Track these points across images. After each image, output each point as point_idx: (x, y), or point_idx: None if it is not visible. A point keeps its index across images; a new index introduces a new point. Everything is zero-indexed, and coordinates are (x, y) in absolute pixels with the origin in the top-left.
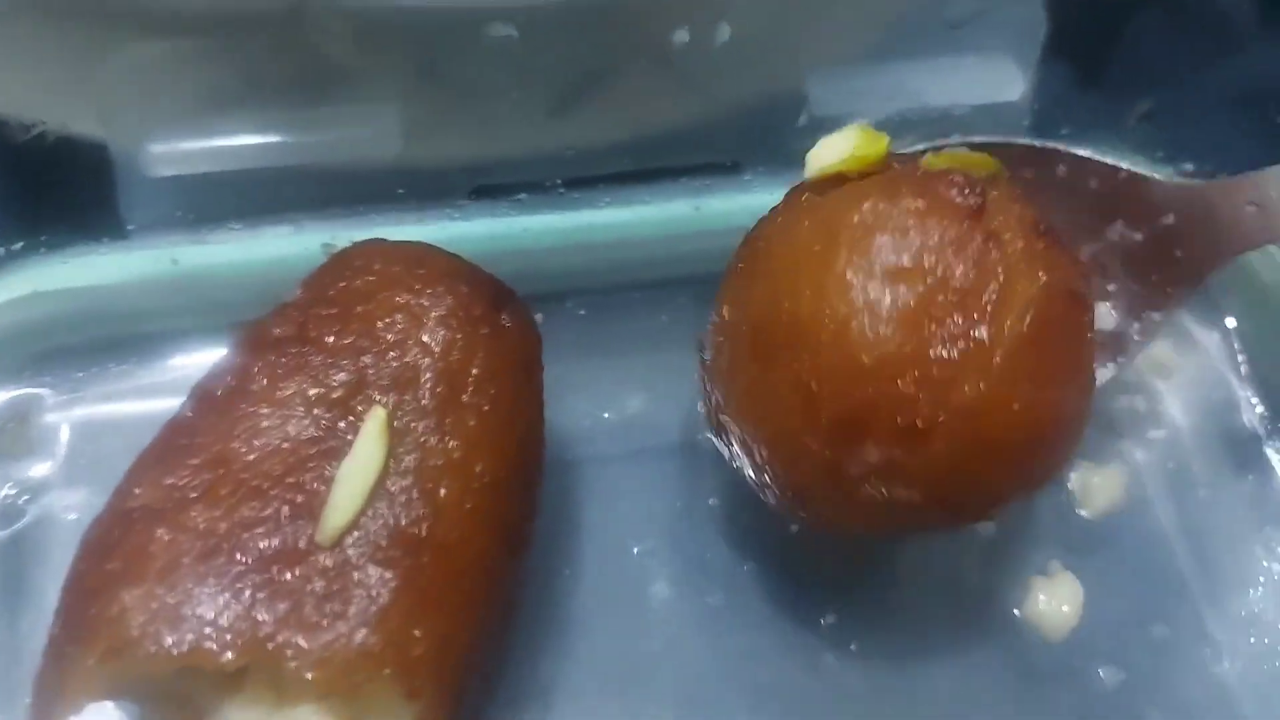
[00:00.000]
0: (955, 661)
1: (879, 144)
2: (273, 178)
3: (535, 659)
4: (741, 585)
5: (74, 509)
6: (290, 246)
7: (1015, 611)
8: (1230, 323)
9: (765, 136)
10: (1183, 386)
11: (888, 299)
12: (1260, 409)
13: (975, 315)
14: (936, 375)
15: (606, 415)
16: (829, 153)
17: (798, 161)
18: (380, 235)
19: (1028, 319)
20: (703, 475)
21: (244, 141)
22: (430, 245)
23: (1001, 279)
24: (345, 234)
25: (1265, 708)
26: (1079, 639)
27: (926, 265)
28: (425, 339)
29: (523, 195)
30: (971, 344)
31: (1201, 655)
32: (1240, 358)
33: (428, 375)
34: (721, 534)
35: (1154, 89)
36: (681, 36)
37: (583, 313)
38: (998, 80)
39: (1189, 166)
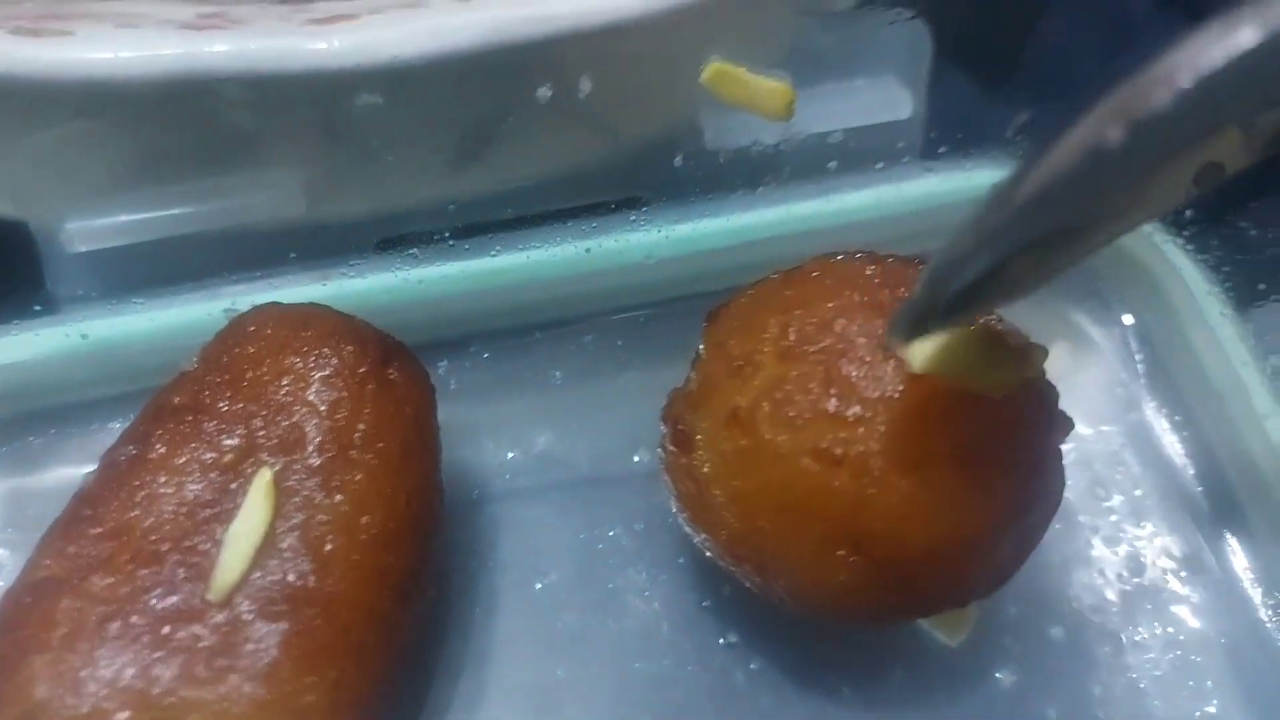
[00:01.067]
0: (857, 671)
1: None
2: (182, 246)
3: (449, 696)
4: (646, 612)
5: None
6: (197, 314)
7: (917, 621)
8: (1127, 320)
9: (659, 173)
10: (1081, 386)
11: None
12: (1159, 405)
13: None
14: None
15: (511, 455)
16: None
17: (690, 195)
18: (286, 296)
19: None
20: (608, 508)
21: (153, 214)
22: (319, 306)
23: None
24: (249, 298)
25: (1168, 701)
26: (977, 643)
27: None
28: (311, 399)
29: (415, 250)
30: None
31: (1101, 653)
32: (1138, 356)
33: (315, 435)
34: (626, 564)
35: (1038, 100)
36: (545, 93)
37: (486, 356)
38: (888, 101)
39: None
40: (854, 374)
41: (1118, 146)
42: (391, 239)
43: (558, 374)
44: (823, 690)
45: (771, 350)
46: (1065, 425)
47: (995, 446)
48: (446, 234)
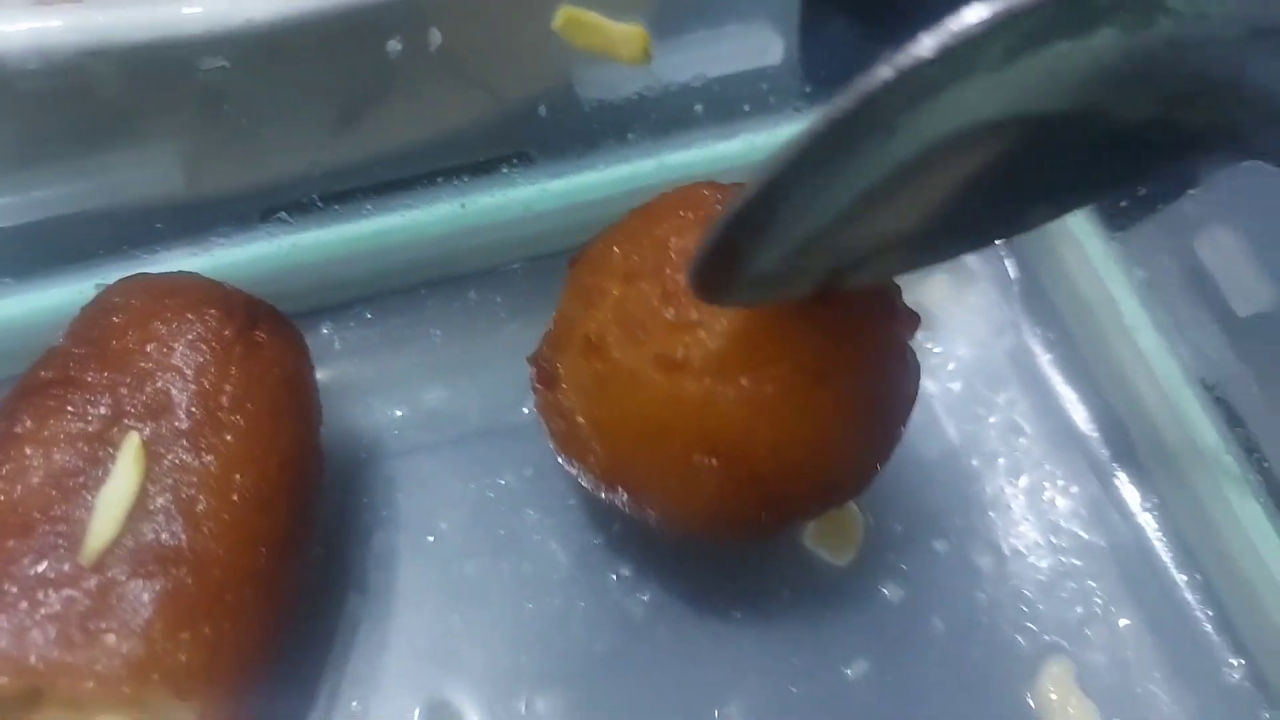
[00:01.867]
0: (749, 597)
1: None
2: (55, 227)
3: (348, 651)
4: (539, 555)
5: None
6: (69, 293)
7: (804, 542)
8: (1002, 246)
9: (533, 129)
10: (962, 312)
11: None
12: (1034, 324)
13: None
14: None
15: (400, 413)
16: None
17: (565, 149)
18: (162, 270)
19: None
20: (497, 458)
21: (26, 196)
22: (184, 274)
23: None
24: (125, 274)
25: (1051, 603)
26: (863, 561)
27: None
28: (177, 364)
29: (290, 217)
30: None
31: (984, 563)
32: (1013, 277)
33: (181, 399)
34: (517, 509)
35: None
36: (394, 46)
37: (369, 316)
38: (758, 46)
39: None
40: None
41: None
42: (273, 208)
43: (442, 331)
44: (715, 615)
45: (615, 277)
46: (910, 320)
47: (835, 341)
48: (320, 200)
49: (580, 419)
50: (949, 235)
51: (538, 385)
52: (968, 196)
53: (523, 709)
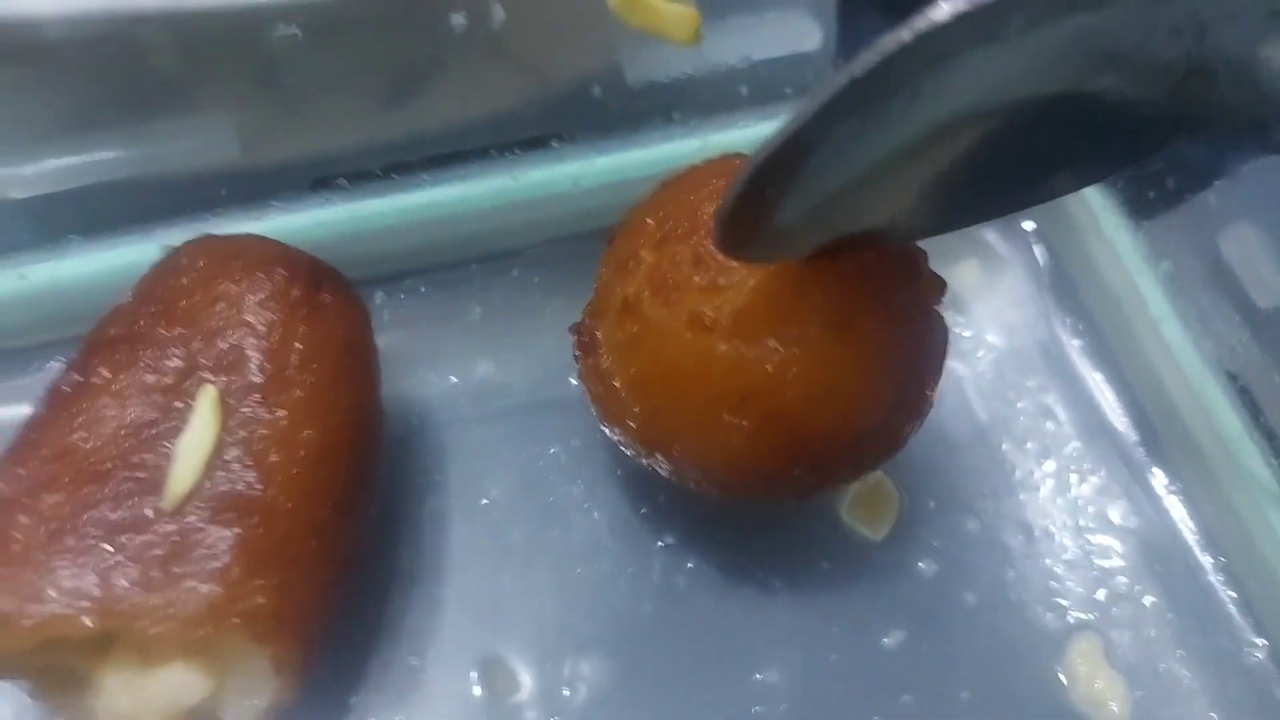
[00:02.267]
0: (789, 568)
1: None
2: (117, 191)
3: (403, 607)
4: (586, 523)
5: None
6: (134, 254)
7: (841, 515)
8: (1032, 235)
9: (581, 108)
10: (992, 299)
11: None
12: (1063, 313)
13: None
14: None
15: (454, 380)
16: None
17: (612, 127)
18: (222, 233)
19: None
20: (546, 429)
21: (87, 159)
22: (251, 236)
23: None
24: (186, 237)
25: (1079, 580)
26: (898, 538)
27: None
28: (249, 320)
29: (347, 186)
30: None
31: (1014, 542)
32: (1043, 268)
33: (253, 355)
34: (565, 479)
35: None
36: (459, 21)
37: (423, 289)
38: (797, 32)
39: None
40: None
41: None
42: (325, 178)
43: (491, 305)
44: (755, 584)
45: (649, 244)
46: (937, 285)
47: (860, 302)
48: (377, 171)
49: (617, 382)
50: (971, 201)
51: (578, 352)
52: (990, 164)
53: (567, 670)
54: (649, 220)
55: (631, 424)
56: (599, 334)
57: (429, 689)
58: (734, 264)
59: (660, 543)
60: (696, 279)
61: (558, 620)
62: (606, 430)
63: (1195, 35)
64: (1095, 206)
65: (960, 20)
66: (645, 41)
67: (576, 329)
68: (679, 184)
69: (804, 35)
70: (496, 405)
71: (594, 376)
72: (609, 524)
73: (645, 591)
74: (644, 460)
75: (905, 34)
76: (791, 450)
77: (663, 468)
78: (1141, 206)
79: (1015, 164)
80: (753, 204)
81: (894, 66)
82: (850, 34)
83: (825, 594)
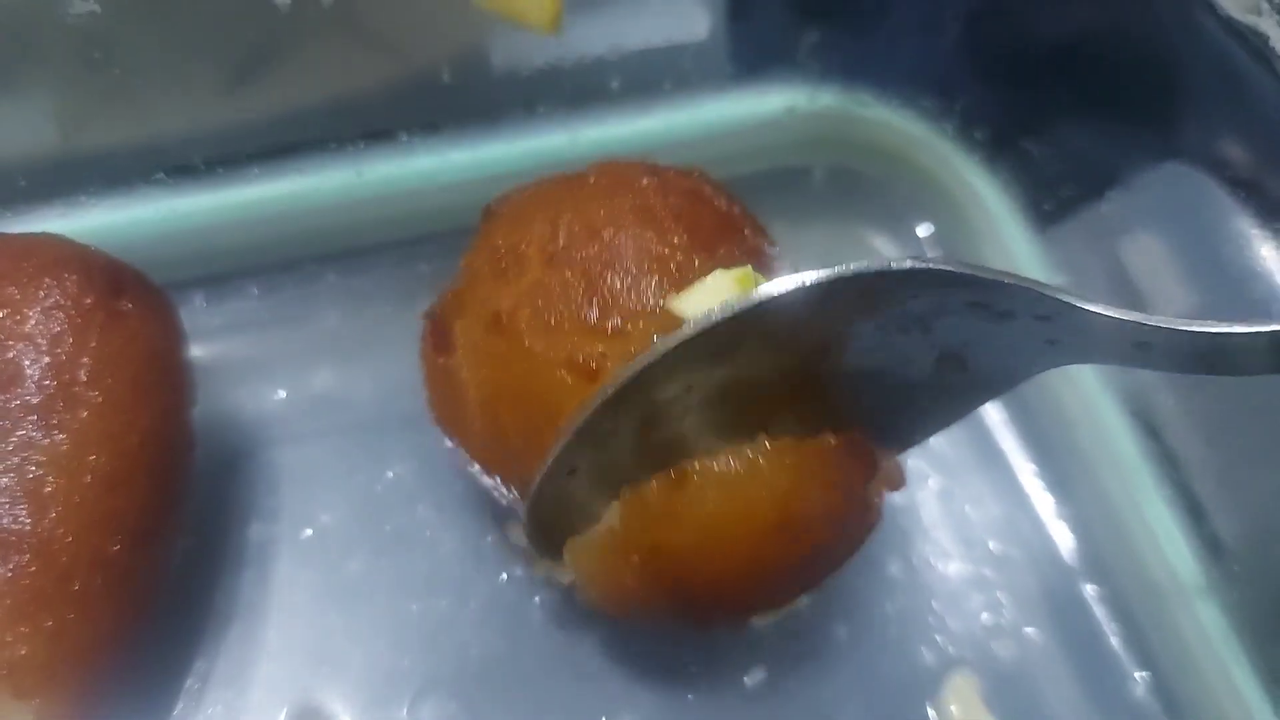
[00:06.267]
0: None
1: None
2: None
3: (216, 651)
4: (427, 553)
5: None
6: None
7: None
8: (927, 240)
9: (438, 97)
10: None
11: None
12: None
13: None
14: None
15: (283, 394)
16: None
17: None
18: (22, 230)
19: None
20: (388, 448)
21: None
22: (45, 235)
23: None
24: None
25: (958, 614)
26: None
27: None
28: (29, 332)
29: (169, 180)
30: None
31: (891, 571)
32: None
33: (33, 371)
34: (406, 504)
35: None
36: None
37: (255, 291)
38: (683, 21)
39: (866, 95)
40: (617, 285)
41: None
42: (151, 170)
43: (333, 310)
44: (609, 620)
45: (538, 252)
46: (895, 478)
47: (798, 487)
48: (204, 164)
49: (469, 394)
50: None
51: (428, 345)
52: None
53: (404, 715)
54: (541, 220)
55: (476, 441)
56: (457, 332)
57: None
58: (630, 306)
59: (507, 575)
60: (587, 315)
61: (391, 661)
62: (437, 424)
63: (923, 330)
64: (993, 212)
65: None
66: (505, 27)
67: (430, 316)
68: (577, 189)
69: (688, 25)
70: (333, 421)
71: (441, 376)
72: (453, 554)
73: (491, 628)
74: (482, 479)
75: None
76: (654, 567)
77: (499, 492)
78: (1040, 216)
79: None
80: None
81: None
82: (740, 25)
83: (682, 628)
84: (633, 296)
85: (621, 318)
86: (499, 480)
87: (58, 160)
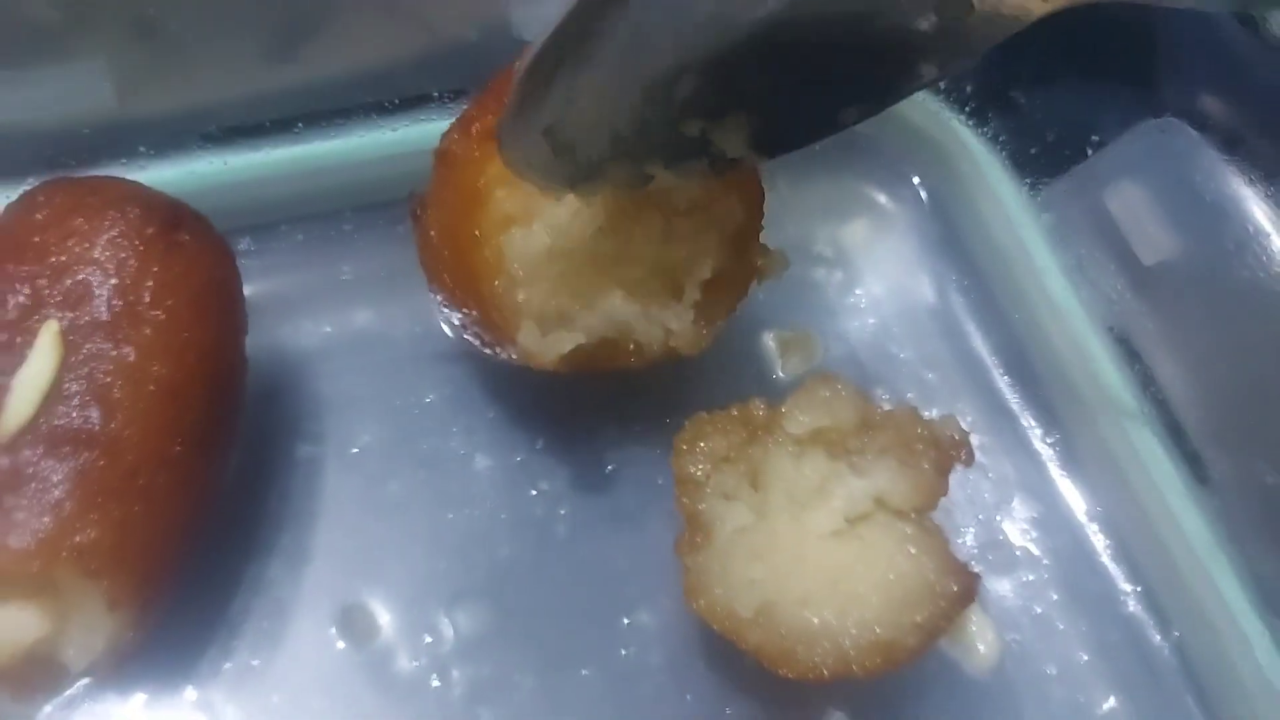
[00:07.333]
0: (665, 512)
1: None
2: None
3: (269, 553)
4: (460, 469)
5: None
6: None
7: None
8: (921, 192)
9: (475, 64)
10: (880, 255)
11: None
12: (950, 267)
13: None
14: None
15: (327, 330)
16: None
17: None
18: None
19: None
20: (422, 377)
21: None
22: (108, 176)
23: None
24: None
25: (954, 522)
26: None
27: None
28: (97, 257)
29: (222, 136)
30: None
31: None
32: (931, 225)
33: (101, 291)
34: (440, 425)
35: None
36: None
37: (300, 237)
38: None
39: None
40: None
41: None
42: (205, 128)
43: (372, 254)
44: (631, 529)
45: (466, 128)
46: (960, 445)
47: None
48: (250, 122)
49: (433, 232)
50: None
51: (413, 219)
52: (776, 87)
53: (441, 616)
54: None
55: (447, 277)
56: (428, 196)
57: (289, 634)
58: None
59: (535, 489)
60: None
61: (429, 567)
62: (432, 295)
63: None
64: (983, 165)
65: None
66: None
67: (409, 197)
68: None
69: None
70: (373, 353)
71: (422, 240)
72: (484, 471)
73: (520, 538)
74: (469, 335)
75: None
76: None
77: (487, 341)
78: (1027, 162)
79: (800, 90)
80: (524, 106)
81: None
82: None
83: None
84: None
85: None
86: (466, 316)
87: (116, 120)
